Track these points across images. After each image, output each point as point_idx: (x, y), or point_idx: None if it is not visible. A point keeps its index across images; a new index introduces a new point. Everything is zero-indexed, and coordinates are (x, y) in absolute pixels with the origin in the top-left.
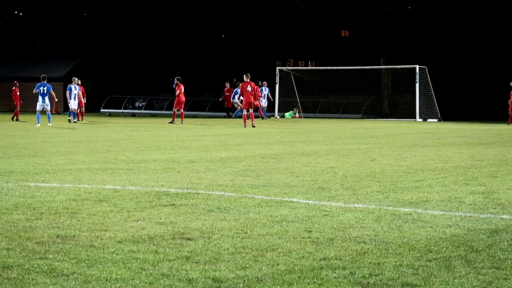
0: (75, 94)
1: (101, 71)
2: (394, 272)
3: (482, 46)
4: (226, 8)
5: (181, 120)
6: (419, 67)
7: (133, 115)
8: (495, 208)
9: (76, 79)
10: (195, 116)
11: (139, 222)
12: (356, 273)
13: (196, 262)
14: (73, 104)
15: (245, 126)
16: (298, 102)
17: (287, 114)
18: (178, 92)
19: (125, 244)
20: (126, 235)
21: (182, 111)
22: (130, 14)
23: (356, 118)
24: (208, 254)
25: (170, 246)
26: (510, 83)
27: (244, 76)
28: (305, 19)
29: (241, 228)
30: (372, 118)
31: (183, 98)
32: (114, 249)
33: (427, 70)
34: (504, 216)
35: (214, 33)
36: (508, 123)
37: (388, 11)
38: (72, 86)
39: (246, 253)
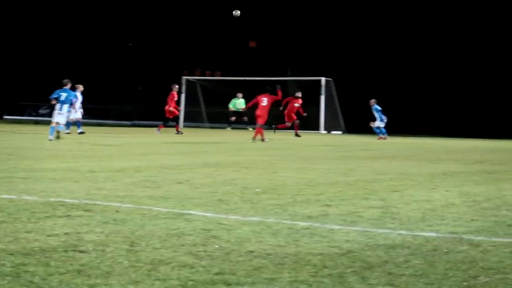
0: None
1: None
2: (289, 287)
3: (387, 59)
4: (135, 16)
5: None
6: (325, 79)
7: (36, 122)
8: (393, 223)
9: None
10: (100, 125)
11: (32, 234)
12: None
13: (88, 276)
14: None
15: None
16: (204, 112)
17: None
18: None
19: (16, 256)
20: (18, 247)
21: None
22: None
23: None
24: (101, 268)
25: (62, 259)
26: None
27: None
28: (213, 29)
29: (137, 241)
30: (278, 130)
31: None
32: (4, 261)
33: (333, 82)
34: (401, 232)
35: (121, 41)
36: None
37: (296, 22)
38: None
39: (140, 267)
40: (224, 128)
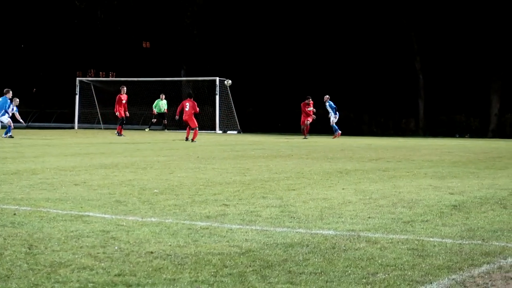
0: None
1: None
2: (189, 287)
3: (280, 59)
4: (26, 17)
5: None
6: (219, 79)
7: None
8: (291, 222)
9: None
10: None
11: None
12: None
13: None
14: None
15: None
16: (99, 113)
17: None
18: None
19: None
20: None
21: None
22: None
23: (159, 130)
24: None
25: None
26: None
27: None
28: (105, 30)
29: (35, 243)
30: (173, 130)
31: None
32: None
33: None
34: (300, 230)
35: (14, 42)
36: None
37: (188, 22)
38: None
39: (39, 269)
40: (143, 129)
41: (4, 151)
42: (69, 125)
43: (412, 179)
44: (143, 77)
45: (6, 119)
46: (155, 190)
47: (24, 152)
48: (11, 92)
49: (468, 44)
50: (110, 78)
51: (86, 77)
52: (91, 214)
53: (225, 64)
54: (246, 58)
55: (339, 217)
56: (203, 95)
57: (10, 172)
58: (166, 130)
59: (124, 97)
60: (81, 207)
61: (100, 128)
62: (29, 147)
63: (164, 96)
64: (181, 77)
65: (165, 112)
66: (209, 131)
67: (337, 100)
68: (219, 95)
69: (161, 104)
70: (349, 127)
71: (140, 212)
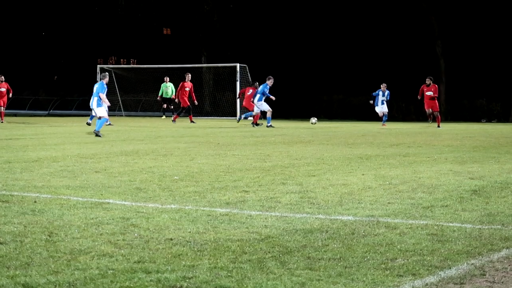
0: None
1: None
2: (208, 274)
3: (301, 44)
4: (47, 4)
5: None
6: (239, 66)
7: None
8: (310, 208)
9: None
10: (15, 115)
11: None
12: (170, 276)
13: (7, 267)
14: None
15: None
16: (120, 100)
17: None
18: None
19: None
20: None
21: (2, 110)
22: None
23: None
24: (20, 259)
25: None
26: None
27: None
28: (126, 17)
29: (55, 231)
30: (194, 116)
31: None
32: None
33: (247, 68)
34: (319, 216)
35: (35, 30)
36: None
37: (208, 9)
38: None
39: (59, 257)
40: (160, 116)
41: (25, 138)
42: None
43: (432, 164)
44: (164, 64)
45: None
46: (175, 177)
47: (45, 139)
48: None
49: (490, 27)
50: (131, 65)
51: (107, 64)
52: (111, 201)
53: (245, 50)
54: (265, 44)
55: (358, 203)
56: (224, 82)
57: (31, 160)
58: (164, 117)
59: (188, 85)
60: (101, 194)
61: (122, 115)
62: (50, 134)
63: (168, 79)
64: (201, 63)
65: (173, 98)
66: (230, 118)
67: (358, 85)
68: (240, 81)
69: (166, 88)
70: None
71: (160, 199)
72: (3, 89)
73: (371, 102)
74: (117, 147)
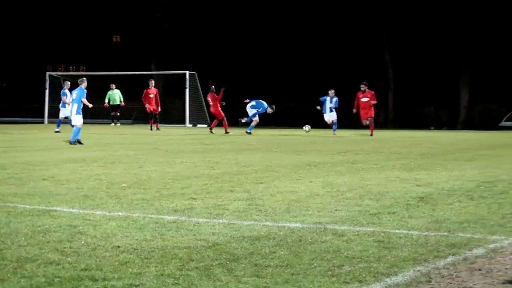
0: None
1: None
2: (155, 282)
3: (250, 52)
4: None
5: None
6: (189, 73)
7: None
8: (258, 215)
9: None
10: None
11: None
12: (117, 283)
13: None
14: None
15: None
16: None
17: None
18: None
19: None
20: None
21: None
22: None
23: (129, 124)
24: None
25: None
26: None
27: None
28: (76, 24)
29: (1, 238)
30: (142, 124)
31: None
32: None
33: (197, 76)
34: (267, 223)
35: None
36: None
37: (159, 16)
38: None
39: (6, 264)
40: (109, 123)
41: None
42: (39, 119)
43: (380, 171)
44: (114, 71)
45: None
46: (123, 185)
47: None
48: None
49: (437, 35)
50: (80, 73)
51: (56, 71)
52: (58, 208)
53: (195, 57)
54: (215, 52)
55: (306, 210)
56: (173, 89)
57: None
58: (116, 124)
59: (151, 91)
60: (49, 202)
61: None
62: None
63: (114, 86)
64: (151, 70)
65: (121, 104)
66: (179, 125)
67: (308, 93)
68: (189, 88)
69: (113, 95)
70: (319, 120)
71: (108, 207)
72: None
73: (318, 107)
74: (66, 154)
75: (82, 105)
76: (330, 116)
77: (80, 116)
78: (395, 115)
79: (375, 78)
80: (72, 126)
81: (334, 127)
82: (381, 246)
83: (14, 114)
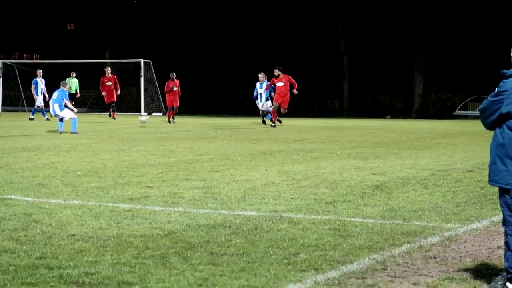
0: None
1: None
2: (111, 270)
3: (205, 40)
4: None
5: None
6: (144, 61)
7: None
8: (214, 203)
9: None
10: None
11: None
12: (73, 272)
13: None
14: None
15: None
16: (23, 96)
17: None
18: None
19: None
20: None
21: None
22: None
23: (83, 112)
24: None
25: None
26: None
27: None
28: (29, 12)
29: None
30: (97, 112)
31: None
32: None
33: (151, 64)
34: (223, 211)
35: None
36: None
37: (113, 4)
38: (38, 80)
39: None
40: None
41: None
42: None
43: (335, 160)
44: (68, 59)
45: None
46: (78, 173)
47: None
48: None
49: (391, 24)
50: (34, 61)
51: (9, 59)
52: (13, 197)
53: (150, 45)
54: (170, 40)
55: (262, 198)
56: (128, 77)
57: None
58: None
59: (108, 79)
60: (3, 190)
61: (24, 111)
62: None
63: (75, 74)
64: (105, 59)
65: (77, 95)
66: (134, 113)
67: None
68: (144, 77)
69: (72, 82)
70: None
71: (63, 195)
72: None
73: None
74: (20, 142)
75: (63, 103)
76: (264, 106)
77: (67, 110)
78: (350, 104)
79: (330, 67)
80: (61, 120)
81: (268, 116)
82: (337, 234)
83: None
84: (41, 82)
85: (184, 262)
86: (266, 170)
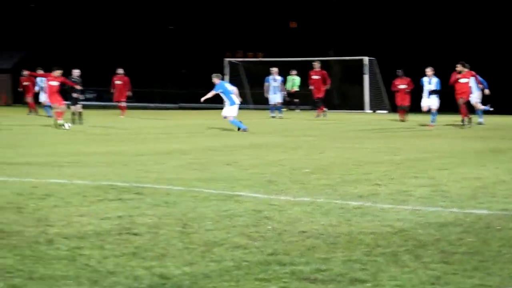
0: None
1: (50, 63)
2: (342, 267)
3: (429, 37)
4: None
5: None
6: (368, 58)
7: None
8: (444, 201)
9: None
10: (144, 108)
11: (85, 217)
12: (304, 268)
13: (143, 258)
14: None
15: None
16: (249, 93)
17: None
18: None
19: (70, 240)
20: (72, 230)
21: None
22: (77, 5)
23: (307, 110)
24: (155, 250)
25: (117, 242)
26: None
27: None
28: (253, 11)
29: (189, 223)
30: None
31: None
32: (59, 245)
33: (376, 61)
34: (453, 210)
35: (162, 24)
36: None
37: (336, 1)
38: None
39: (193, 248)
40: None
41: (155, 132)
42: (219, 105)
43: None
44: (291, 57)
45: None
46: (306, 170)
47: (174, 132)
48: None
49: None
50: (258, 59)
51: (235, 58)
52: (243, 193)
53: (373, 43)
54: (393, 37)
55: (492, 197)
56: (352, 75)
57: (162, 152)
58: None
59: (314, 73)
60: (233, 187)
61: (249, 108)
62: (180, 127)
63: (295, 72)
64: (329, 56)
65: (292, 91)
66: (358, 111)
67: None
68: (368, 74)
69: (290, 81)
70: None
71: (292, 192)
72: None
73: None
74: (247, 139)
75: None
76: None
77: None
78: None
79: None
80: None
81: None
82: None
83: (193, 100)
84: (273, 81)
85: (415, 260)
86: (496, 168)
